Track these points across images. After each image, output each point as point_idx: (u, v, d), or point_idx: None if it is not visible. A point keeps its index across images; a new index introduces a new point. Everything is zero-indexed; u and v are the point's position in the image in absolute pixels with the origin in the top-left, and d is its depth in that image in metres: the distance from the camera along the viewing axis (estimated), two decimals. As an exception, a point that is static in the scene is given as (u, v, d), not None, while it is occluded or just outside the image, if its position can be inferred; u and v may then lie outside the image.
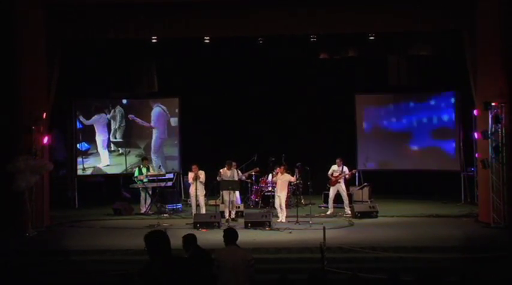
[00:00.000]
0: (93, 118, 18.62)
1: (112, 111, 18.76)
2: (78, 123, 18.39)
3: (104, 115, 18.72)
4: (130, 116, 18.76)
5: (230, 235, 7.04)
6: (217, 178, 14.67)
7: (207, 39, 15.55)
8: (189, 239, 7.47)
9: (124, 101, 18.92)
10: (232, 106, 18.87)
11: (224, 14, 14.11)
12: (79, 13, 14.15)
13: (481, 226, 13.39)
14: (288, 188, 14.83)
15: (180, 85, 18.54)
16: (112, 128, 18.83)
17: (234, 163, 15.04)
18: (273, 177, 15.63)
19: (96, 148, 18.59)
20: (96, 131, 18.63)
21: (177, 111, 18.61)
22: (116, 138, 18.86)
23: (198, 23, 14.30)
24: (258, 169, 16.12)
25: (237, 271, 6.75)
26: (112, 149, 18.82)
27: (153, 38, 15.44)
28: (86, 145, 18.53)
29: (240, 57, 17.73)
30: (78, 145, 18.31)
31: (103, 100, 18.81)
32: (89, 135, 18.55)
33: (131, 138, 18.99)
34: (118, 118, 18.81)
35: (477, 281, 7.33)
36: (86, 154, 18.40)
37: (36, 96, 13.89)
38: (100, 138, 18.70)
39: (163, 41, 15.71)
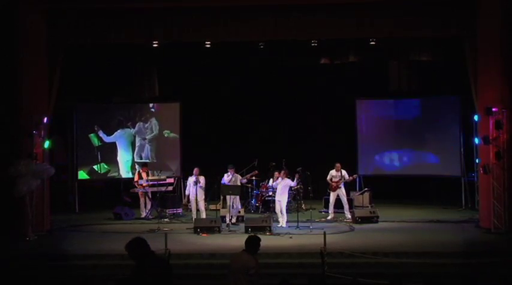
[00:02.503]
0: (115, 133, 16.54)
1: (140, 123, 16.52)
2: (96, 140, 16.39)
3: (128, 130, 16.60)
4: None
5: (247, 241, 7.03)
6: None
7: (208, 44, 15.58)
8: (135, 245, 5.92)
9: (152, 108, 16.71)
10: (232, 110, 18.82)
11: (225, 18, 14.12)
12: (80, 17, 14.13)
13: (481, 231, 13.38)
14: (288, 193, 14.82)
15: (180, 89, 18.51)
16: (137, 145, 16.44)
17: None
18: (273, 182, 15.61)
19: (118, 170, 16.56)
20: (119, 150, 16.48)
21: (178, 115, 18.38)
22: (141, 158, 16.43)
23: (199, 28, 14.28)
24: (256, 172, 16.11)
25: (237, 276, 6.81)
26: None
27: (154, 42, 15.46)
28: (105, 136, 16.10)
29: (241, 62, 17.75)
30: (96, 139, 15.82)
31: (126, 111, 16.60)
32: (109, 153, 16.29)
33: (161, 158, 16.53)
34: (150, 131, 16.53)
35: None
36: (104, 176, 16.55)
37: (37, 100, 13.86)
38: (123, 158, 16.45)
39: (164, 45, 15.72)
